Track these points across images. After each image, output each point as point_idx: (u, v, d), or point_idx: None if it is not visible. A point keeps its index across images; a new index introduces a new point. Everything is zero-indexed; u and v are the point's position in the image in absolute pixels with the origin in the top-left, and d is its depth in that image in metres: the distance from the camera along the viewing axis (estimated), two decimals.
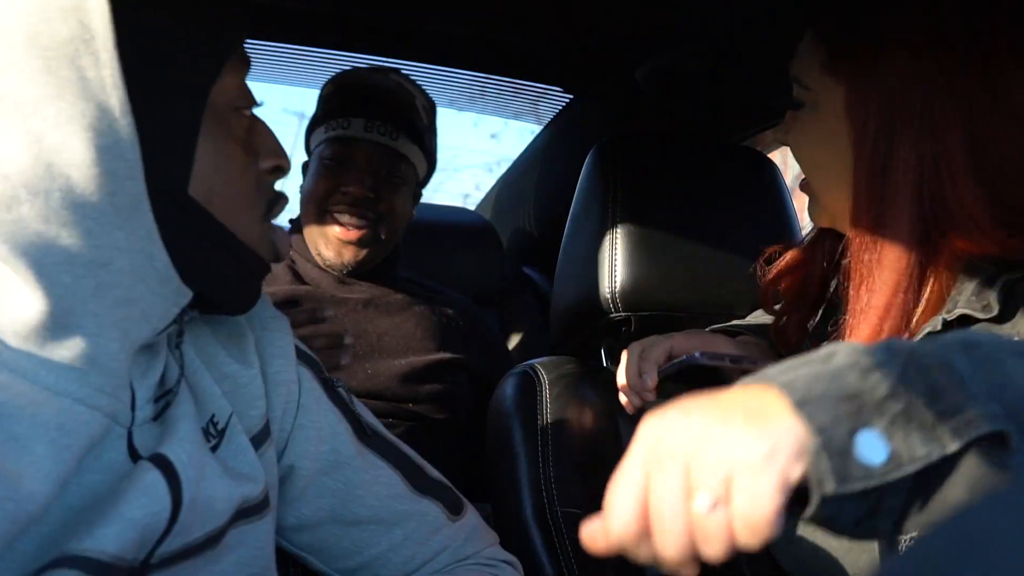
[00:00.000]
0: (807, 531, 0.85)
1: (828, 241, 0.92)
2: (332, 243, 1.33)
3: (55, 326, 0.55)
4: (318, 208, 1.34)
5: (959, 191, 0.72)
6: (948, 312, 0.73)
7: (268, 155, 0.66)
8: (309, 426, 0.77)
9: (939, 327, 0.72)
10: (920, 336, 0.73)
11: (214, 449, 0.67)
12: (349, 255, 1.34)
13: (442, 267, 1.78)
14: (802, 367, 0.47)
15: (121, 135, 0.54)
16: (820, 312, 0.95)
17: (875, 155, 0.75)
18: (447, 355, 1.36)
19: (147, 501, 0.57)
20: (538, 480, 1.00)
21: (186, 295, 0.61)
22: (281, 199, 0.68)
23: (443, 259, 1.81)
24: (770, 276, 0.98)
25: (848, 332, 0.78)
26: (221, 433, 0.68)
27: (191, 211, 0.59)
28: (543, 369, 1.08)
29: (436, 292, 1.48)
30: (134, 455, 0.60)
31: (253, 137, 0.65)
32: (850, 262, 0.80)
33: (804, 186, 0.87)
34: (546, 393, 1.06)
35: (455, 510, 0.83)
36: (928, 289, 0.76)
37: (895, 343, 0.47)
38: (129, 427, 0.60)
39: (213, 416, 0.68)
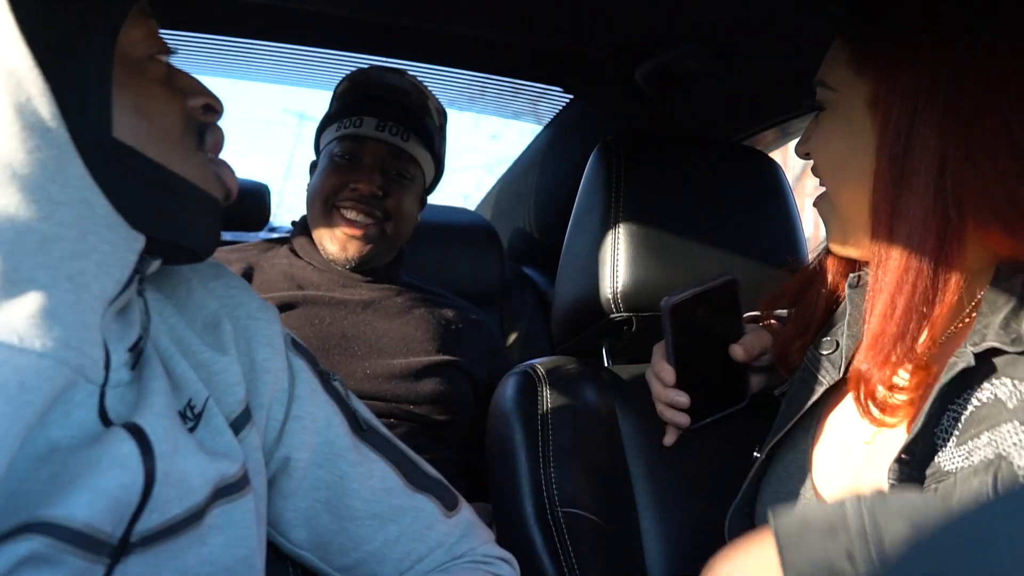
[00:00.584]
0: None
1: (833, 264, 0.92)
2: (337, 238, 1.34)
3: (6, 283, 0.55)
4: (325, 203, 1.35)
5: (985, 180, 0.72)
6: (975, 344, 0.73)
7: (195, 94, 0.68)
8: (304, 417, 0.77)
9: (972, 363, 0.72)
10: (953, 374, 0.72)
11: (191, 431, 0.68)
12: (354, 250, 1.34)
13: (442, 267, 1.77)
14: (813, 540, 0.58)
15: (32, 91, 0.56)
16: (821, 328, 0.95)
17: (896, 143, 0.75)
18: (446, 357, 1.36)
19: (120, 472, 0.57)
20: (538, 480, 1.00)
21: (138, 239, 0.62)
22: (212, 127, 0.69)
23: (443, 259, 1.81)
24: (768, 302, 0.98)
25: (866, 330, 0.78)
26: (198, 416, 0.69)
27: (121, 154, 0.61)
28: (543, 369, 1.08)
29: (437, 295, 1.48)
30: (104, 418, 0.60)
31: (176, 82, 0.68)
32: (869, 266, 0.80)
33: (819, 201, 0.86)
34: (546, 393, 1.06)
35: (450, 506, 0.83)
36: (948, 291, 0.75)
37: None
38: (102, 387, 0.60)
39: (190, 400, 0.69)
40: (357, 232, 1.33)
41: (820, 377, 0.89)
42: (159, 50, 0.66)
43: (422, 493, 0.81)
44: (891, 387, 0.77)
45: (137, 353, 0.65)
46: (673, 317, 0.96)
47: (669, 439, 1.01)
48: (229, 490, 0.68)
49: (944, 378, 0.73)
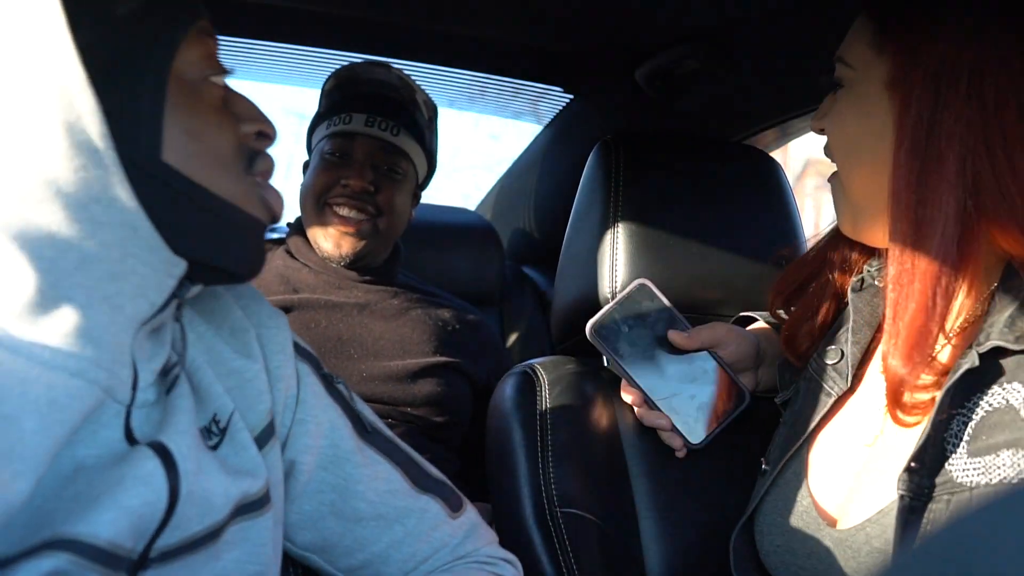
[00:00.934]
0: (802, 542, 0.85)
1: (844, 246, 0.91)
2: (331, 235, 1.34)
3: (44, 300, 0.55)
4: (317, 201, 1.35)
5: (999, 176, 0.70)
6: (979, 345, 0.71)
7: (250, 120, 0.67)
8: (309, 420, 0.77)
9: (976, 363, 0.70)
10: (957, 375, 0.71)
11: (215, 447, 0.67)
12: (347, 246, 1.34)
13: (442, 267, 1.77)
14: None
15: (82, 109, 0.55)
16: (832, 318, 0.94)
17: (918, 126, 0.73)
18: (443, 358, 1.36)
19: (144, 490, 0.58)
20: (538, 480, 1.00)
21: (179, 265, 0.61)
22: (263, 155, 0.68)
23: (443, 259, 1.81)
24: (780, 282, 0.97)
25: (888, 327, 0.76)
26: (223, 432, 0.69)
27: (168, 177, 0.60)
28: (543, 369, 1.08)
29: (434, 296, 1.47)
30: (130, 437, 0.60)
31: (232, 105, 0.67)
32: (886, 254, 0.78)
33: (832, 178, 0.85)
34: (546, 393, 1.06)
35: (455, 507, 0.83)
36: (966, 287, 0.74)
37: None
38: (128, 406, 0.61)
39: (215, 415, 0.69)
40: (350, 228, 1.33)
41: (827, 388, 0.88)
42: (216, 71, 0.65)
43: (427, 495, 0.82)
44: (914, 387, 0.75)
45: (172, 379, 0.65)
46: (602, 338, 0.97)
47: (679, 453, 1.01)
48: (250, 508, 0.68)
49: (950, 381, 0.72)
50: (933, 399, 0.75)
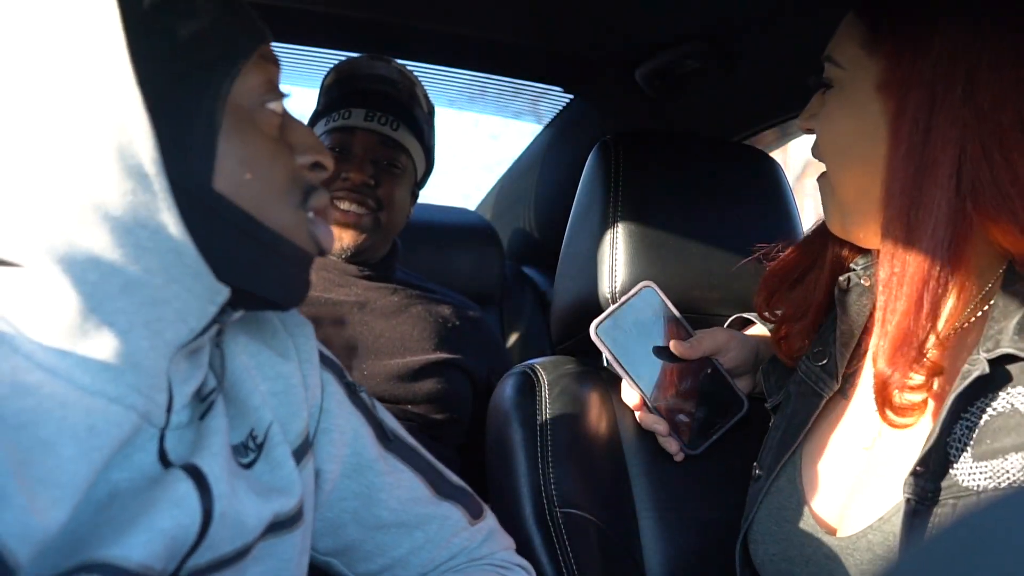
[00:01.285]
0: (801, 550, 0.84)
1: (833, 244, 0.91)
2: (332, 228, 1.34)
3: (85, 324, 0.55)
4: None
5: (997, 178, 0.70)
6: (988, 351, 0.71)
7: (306, 151, 0.66)
8: (333, 429, 0.77)
9: (987, 370, 0.70)
10: (968, 382, 0.70)
11: (251, 464, 0.67)
12: (348, 239, 1.34)
13: (442, 267, 1.77)
14: None
15: (136, 133, 0.54)
16: (823, 316, 0.93)
17: (914, 130, 0.72)
18: (443, 355, 1.36)
19: (178, 513, 0.57)
20: (538, 480, 1.00)
21: (222, 292, 0.60)
22: (319, 190, 0.67)
23: (443, 259, 1.81)
24: (767, 280, 0.96)
25: (878, 329, 0.76)
26: (259, 447, 0.68)
27: (217, 205, 0.59)
28: (543, 369, 1.08)
29: (433, 292, 1.47)
30: (164, 459, 0.60)
31: (289, 134, 0.66)
32: (876, 253, 0.78)
33: (821, 179, 0.84)
34: (546, 393, 1.06)
35: (475, 514, 0.84)
36: (959, 288, 0.74)
37: None
38: (163, 429, 0.60)
39: (252, 430, 0.68)
40: (351, 220, 1.33)
41: (818, 390, 0.87)
42: (274, 98, 0.63)
43: (448, 501, 0.82)
44: (902, 387, 0.75)
45: (207, 404, 0.64)
46: (604, 339, 0.97)
47: (677, 458, 1.01)
48: (282, 525, 0.68)
49: (959, 387, 0.71)
50: (926, 401, 0.75)
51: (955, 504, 0.70)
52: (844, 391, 0.86)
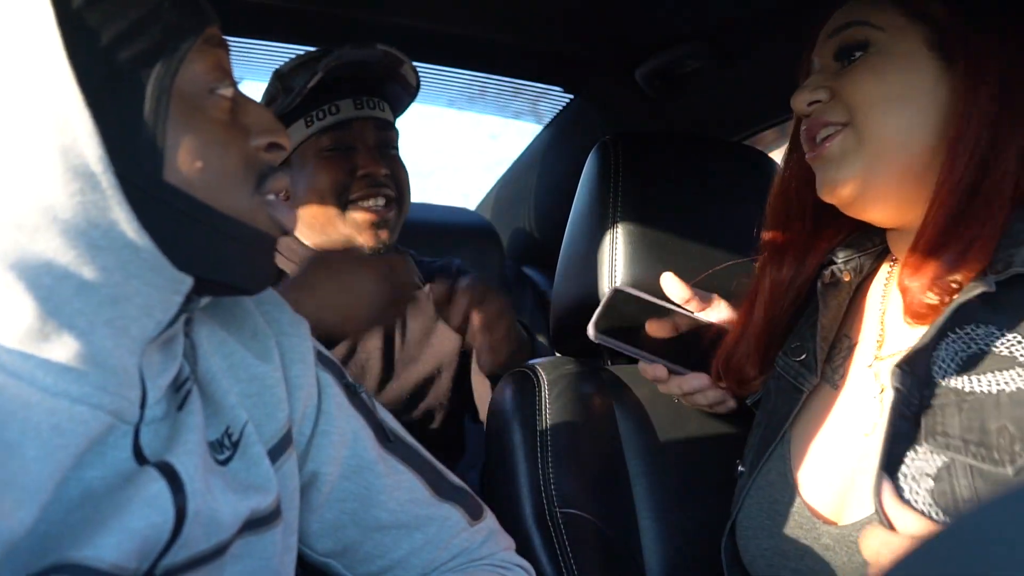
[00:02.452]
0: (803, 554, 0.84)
1: (774, 271, 0.92)
2: (365, 229, 1.27)
3: (44, 327, 0.54)
4: (338, 201, 1.27)
5: None
6: (997, 273, 0.71)
7: (261, 133, 0.65)
8: (332, 432, 0.76)
9: (992, 288, 0.71)
10: (970, 295, 0.71)
11: (227, 461, 0.66)
12: (385, 234, 1.28)
13: None
14: None
15: (79, 132, 0.53)
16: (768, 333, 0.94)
17: (992, 99, 0.73)
18: (433, 367, 1.34)
19: (150, 512, 0.57)
20: (538, 480, 1.00)
21: (184, 282, 0.59)
22: (274, 174, 0.65)
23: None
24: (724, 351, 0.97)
25: (910, 259, 0.76)
26: (235, 445, 0.67)
27: (170, 197, 0.58)
28: (543, 369, 1.08)
29: (428, 268, 1.42)
30: (139, 456, 0.59)
31: (242, 116, 0.64)
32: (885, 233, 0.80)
33: (832, 139, 0.81)
34: (546, 393, 1.06)
35: (475, 515, 0.83)
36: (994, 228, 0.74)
37: None
38: (137, 425, 0.60)
39: (228, 427, 0.67)
40: (384, 215, 1.27)
41: (798, 385, 0.88)
42: (223, 82, 0.62)
43: (448, 503, 0.82)
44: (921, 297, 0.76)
45: (183, 394, 0.64)
46: (605, 334, 0.99)
47: (729, 404, 1.02)
48: (259, 523, 0.67)
49: (960, 299, 0.72)
50: (939, 307, 0.75)
51: (960, 406, 0.71)
52: (834, 382, 0.86)
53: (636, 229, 1.08)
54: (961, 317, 0.73)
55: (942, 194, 0.75)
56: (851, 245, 0.89)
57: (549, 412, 1.04)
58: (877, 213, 0.81)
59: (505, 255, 1.93)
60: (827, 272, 0.90)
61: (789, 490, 0.84)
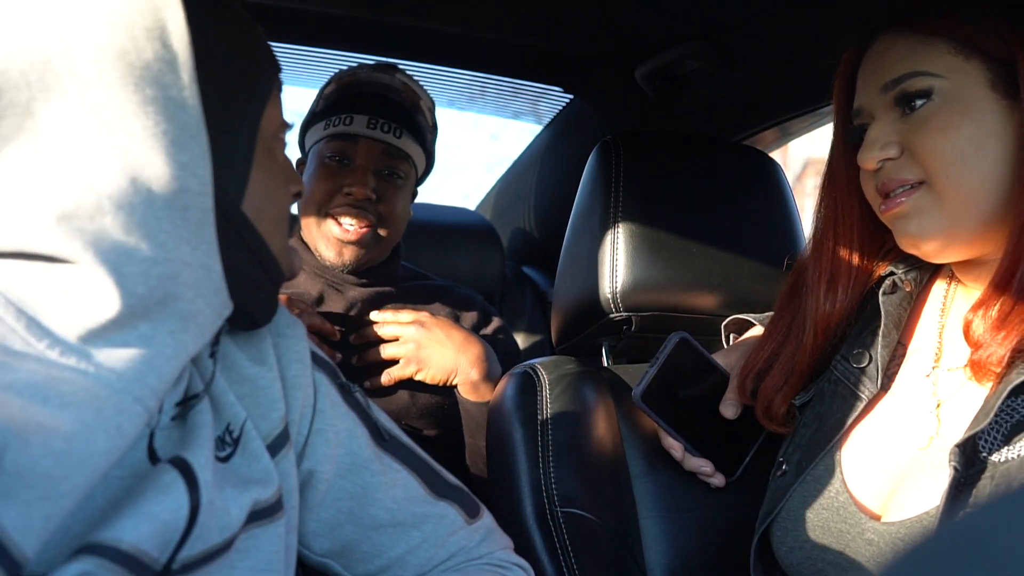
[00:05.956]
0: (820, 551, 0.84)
1: (815, 305, 0.91)
2: (332, 243, 1.31)
3: (121, 329, 0.57)
4: (319, 209, 1.32)
5: None
6: None
7: (293, 180, 0.71)
8: (327, 430, 0.78)
9: None
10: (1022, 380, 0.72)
11: (229, 458, 0.68)
12: (349, 255, 1.32)
13: (442, 267, 1.77)
14: None
15: (197, 153, 0.58)
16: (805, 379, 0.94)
17: None
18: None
19: (166, 499, 0.58)
20: (538, 480, 1.00)
21: (228, 306, 0.63)
22: (295, 218, 0.71)
23: (443, 259, 1.80)
24: (748, 365, 0.96)
25: (989, 302, 0.76)
26: (236, 441, 0.69)
27: (243, 228, 0.63)
28: (543, 369, 1.08)
29: (436, 292, 1.46)
30: (153, 457, 0.61)
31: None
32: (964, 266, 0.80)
33: (909, 195, 0.80)
34: (546, 393, 1.06)
35: (472, 513, 0.84)
36: None
37: None
38: (153, 428, 0.62)
39: (229, 424, 0.69)
40: (352, 237, 1.31)
41: (857, 391, 0.87)
42: (285, 128, 0.68)
43: (444, 501, 0.82)
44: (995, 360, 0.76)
45: (192, 404, 0.66)
46: (649, 403, 0.98)
47: (716, 482, 1.02)
48: (261, 515, 0.68)
49: (1017, 379, 0.72)
50: (1001, 373, 0.75)
51: (992, 477, 0.71)
52: (892, 391, 0.87)
53: (637, 229, 1.08)
54: (1015, 390, 0.73)
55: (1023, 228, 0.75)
56: (910, 257, 0.88)
57: (550, 412, 1.04)
58: (957, 257, 0.82)
59: (505, 255, 1.93)
60: (888, 282, 0.90)
61: (837, 487, 0.84)
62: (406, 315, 1.30)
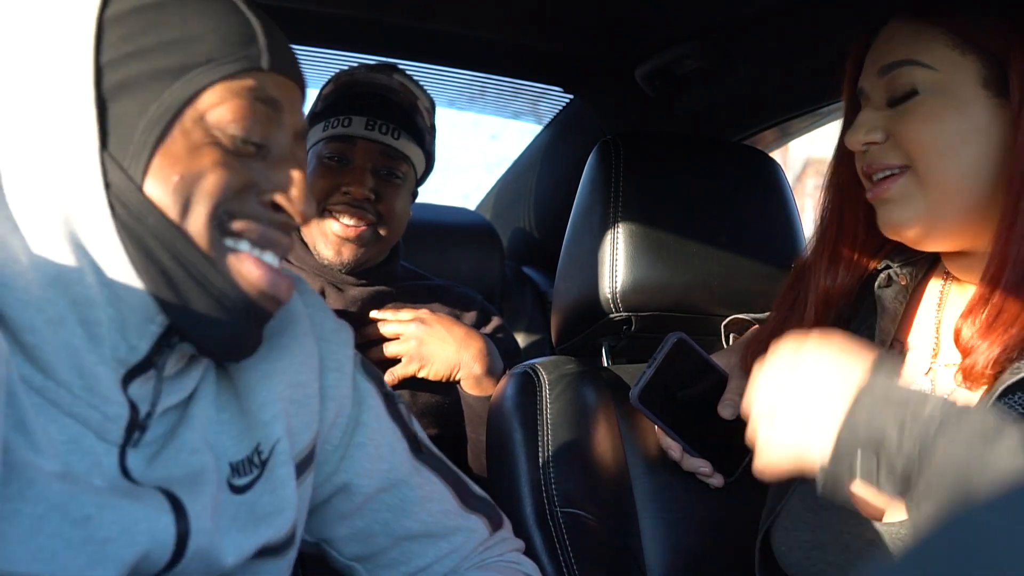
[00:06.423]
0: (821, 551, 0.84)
1: (819, 280, 0.91)
2: (331, 241, 1.32)
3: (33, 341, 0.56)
4: (317, 207, 1.32)
5: None
6: None
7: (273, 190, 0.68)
8: (368, 444, 0.76)
9: None
10: (1016, 378, 0.72)
11: (248, 486, 0.66)
12: (348, 253, 1.33)
13: (442, 267, 1.77)
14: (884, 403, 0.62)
15: (84, 122, 0.58)
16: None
17: None
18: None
19: (147, 541, 0.57)
20: (538, 480, 1.00)
21: (156, 320, 0.60)
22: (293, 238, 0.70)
23: (443, 259, 1.80)
24: (758, 336, 0.96)
25: (977, 304, 0.76)
26: (263, 464, 0.67)
27: (146, 212, 0.60)
28: (543, 369, 1.08)
29: (435, 292, 1.46)
30: (127, 476, 0.60)
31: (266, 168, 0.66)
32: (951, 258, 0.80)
33: (893, 181, 0.81)
34: (546, 393, 1.06)
35: (496, 525, 0.85)
36: None
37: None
38: (121, 445, 0.60)
39: (258, 445, 0.67)
40: (351, 234, 1.31)
41: None
42: (236, 126, 0.62)
43: (475, 514, 0.82)
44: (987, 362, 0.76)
45: (162, 415, 0.63)
46: (647, 404, 0.97)
47: (715, 482, 1.02)
48: (271, 552, 0.67)
49: (1010, 379, 0.72)
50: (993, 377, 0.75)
51: None
52: None
53: (637, 229, 1.08)
54: (1008, 389, 0.73)
55: (1008, 229, 0.75)
56: (906, 251, 0.89)
57: (550, 412, 1.04)
58: (940, 246, 0.82)
59: (505, 255, 1.93)
60: (883, 275, 0.90)
61: None
62: (406, 313, 1.30)
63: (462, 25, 1.31)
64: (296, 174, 0.65)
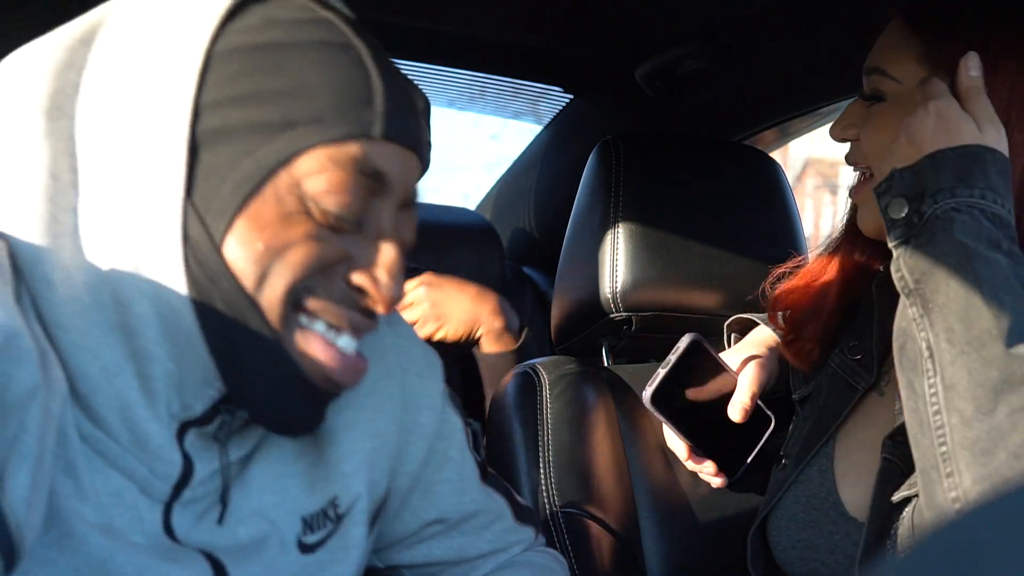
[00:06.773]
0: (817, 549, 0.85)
1: (851, 253, 0.91)
2: None
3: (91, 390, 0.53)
4: None
5: None
6: None
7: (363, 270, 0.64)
8: (455, 480, 0.75)
9: None
10: None
11: (321, 543, 0.63)
12: None
13: (442, 267, 1.77)
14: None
15: (173, 173, 0.53)
16: (837, 320, 0.94)
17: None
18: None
19: None
20: (537, 480, 1.00)
21: (214, 384, 0.56)
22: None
23: (443, 259, 1.80)
24: (780, 292, 0.96)
25: None
26: (339, 518, 0.64)
27: (220, 275, 0.56)
28: (543, 369, 1.08)
29: None
30: (170, 534, 0.57)
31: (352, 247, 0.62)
32: None
33: (860, 187, 0.84)
34: (546, 393, 1.06)
35: (538, 531, 0.85)
36: None
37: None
38: (166, 502, 0.57)
39: (335, 497, 0.64)
40: None
41: (853, 383, 0.88)
42: (337, 201, 0.56)
43: (527, 526, 0.83)
44: None
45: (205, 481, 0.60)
46: (658, 405, 0.97)
47: (718, 483, 1.02)
48: None
49: None
50: None
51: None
52: (880, 388, 0.87)
53: (637, 229, 1.08)
54: None
55: None
56: None
57: (550, 412, 1.04)
58: None
59: (505, 255, 1.93)
60: (882, 273, 0.90)
61: (827, 486, 0.85)
62: (410, 283, 1.24)
63: (462, 25, 1.31)
64: (389, 253, 0.58)
